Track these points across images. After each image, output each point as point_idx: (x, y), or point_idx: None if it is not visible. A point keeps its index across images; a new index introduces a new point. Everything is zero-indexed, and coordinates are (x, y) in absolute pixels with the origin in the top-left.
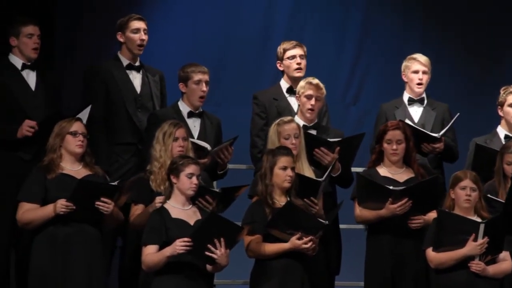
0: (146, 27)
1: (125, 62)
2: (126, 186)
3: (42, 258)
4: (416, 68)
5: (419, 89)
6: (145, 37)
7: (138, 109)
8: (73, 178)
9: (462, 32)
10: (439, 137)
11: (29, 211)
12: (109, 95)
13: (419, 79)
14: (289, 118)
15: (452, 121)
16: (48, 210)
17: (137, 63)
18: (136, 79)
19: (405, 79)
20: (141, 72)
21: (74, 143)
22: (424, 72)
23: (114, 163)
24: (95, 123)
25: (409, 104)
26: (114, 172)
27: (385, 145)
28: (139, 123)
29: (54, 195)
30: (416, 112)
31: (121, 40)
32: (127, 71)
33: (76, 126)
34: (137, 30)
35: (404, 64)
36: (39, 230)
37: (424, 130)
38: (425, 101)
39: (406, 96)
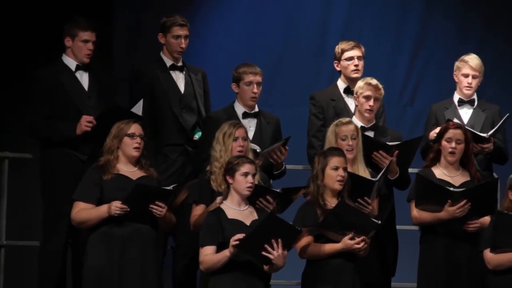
0: (188, 33)
1: (168, 62)
2: (186, 187)
3: (97, 257)
4: (466, 72)
5: (468, 92)
6: (184, 44)
7: (183, 110)
8: (129, 179)
9: None
10: (487, 137)
11: (83, 211)
12: (155, 97)
13: (468, 83)
14: (347, 119)
15: (501, 121)
16: (102, 211)
17: (180, 63)
18: (179, 79)
19: (456, 79)
20: (184, 71)
21: (132, 145)
22: (474, 77)
23: (162, 164)
24: None
25: (459, 105)
26: (162, 172)
27: (444, 143)
28: (184, 123)
29: (109, 195)
30: (466, 113)
31: (162, 41)
32: (171, 71)
33: (134, 128)
34: (177, 37)
35: (456, 64)
36: (94, 229)
37: (472, 130)
38: (476, 103)
39: (456, 97)
